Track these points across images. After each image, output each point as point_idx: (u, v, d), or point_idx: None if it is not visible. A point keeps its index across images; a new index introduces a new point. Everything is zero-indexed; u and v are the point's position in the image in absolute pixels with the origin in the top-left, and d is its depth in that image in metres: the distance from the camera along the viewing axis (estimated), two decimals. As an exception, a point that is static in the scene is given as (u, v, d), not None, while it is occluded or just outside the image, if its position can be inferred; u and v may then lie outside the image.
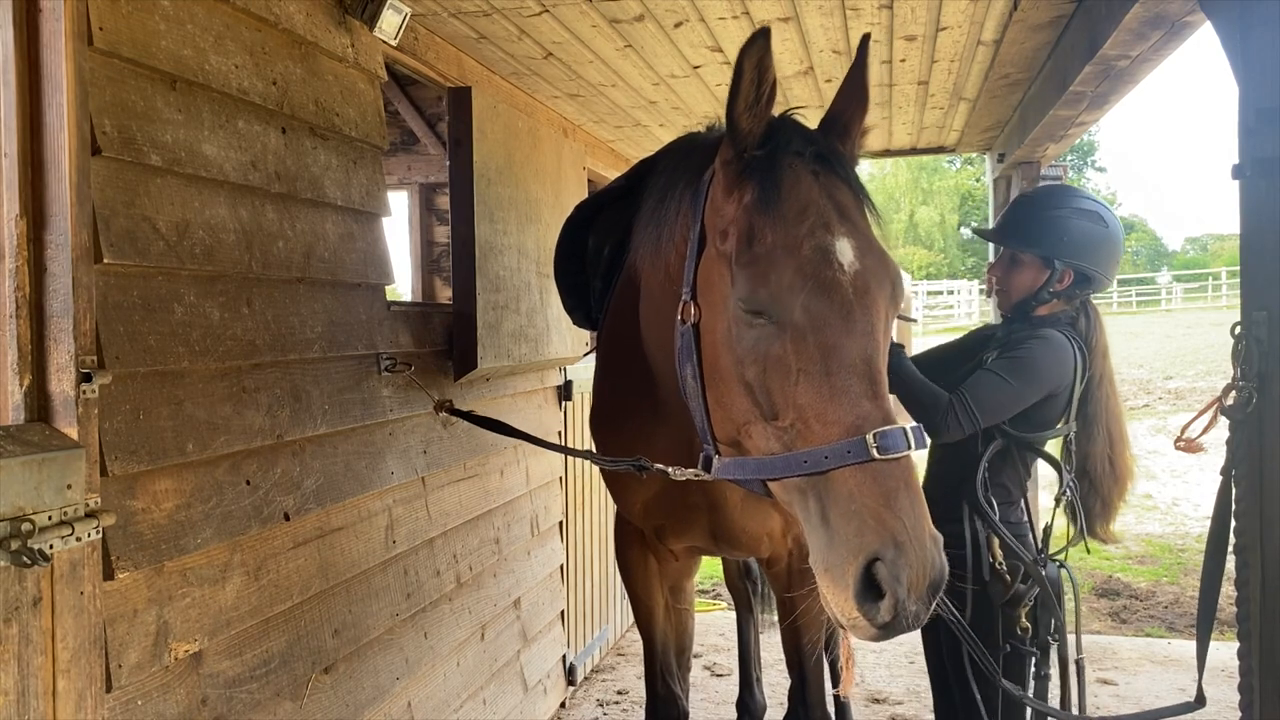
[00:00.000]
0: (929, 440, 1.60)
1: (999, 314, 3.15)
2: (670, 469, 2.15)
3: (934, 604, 1.54)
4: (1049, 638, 2.81)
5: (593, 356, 5.04)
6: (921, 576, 1.50)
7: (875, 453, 1.55)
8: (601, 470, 2.85)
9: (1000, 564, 2.77)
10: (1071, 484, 2.91)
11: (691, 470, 2.02)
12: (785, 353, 1.66)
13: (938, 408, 2.67)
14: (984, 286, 14.20)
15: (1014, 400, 2.75)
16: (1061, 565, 2.91)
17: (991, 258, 3.24)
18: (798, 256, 1.68)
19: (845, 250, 1.71)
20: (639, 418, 2.57)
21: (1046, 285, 2.88)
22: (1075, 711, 2.83)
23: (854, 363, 1.64)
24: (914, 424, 1.62)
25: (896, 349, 2.81)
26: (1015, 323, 2.97)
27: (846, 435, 1.57)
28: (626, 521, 3.01)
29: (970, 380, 2.74)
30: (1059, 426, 2.91)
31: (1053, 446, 2.99)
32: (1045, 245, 2.85)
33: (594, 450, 2.90)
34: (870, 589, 1.51)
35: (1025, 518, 2.93)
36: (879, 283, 1.74)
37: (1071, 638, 2.89)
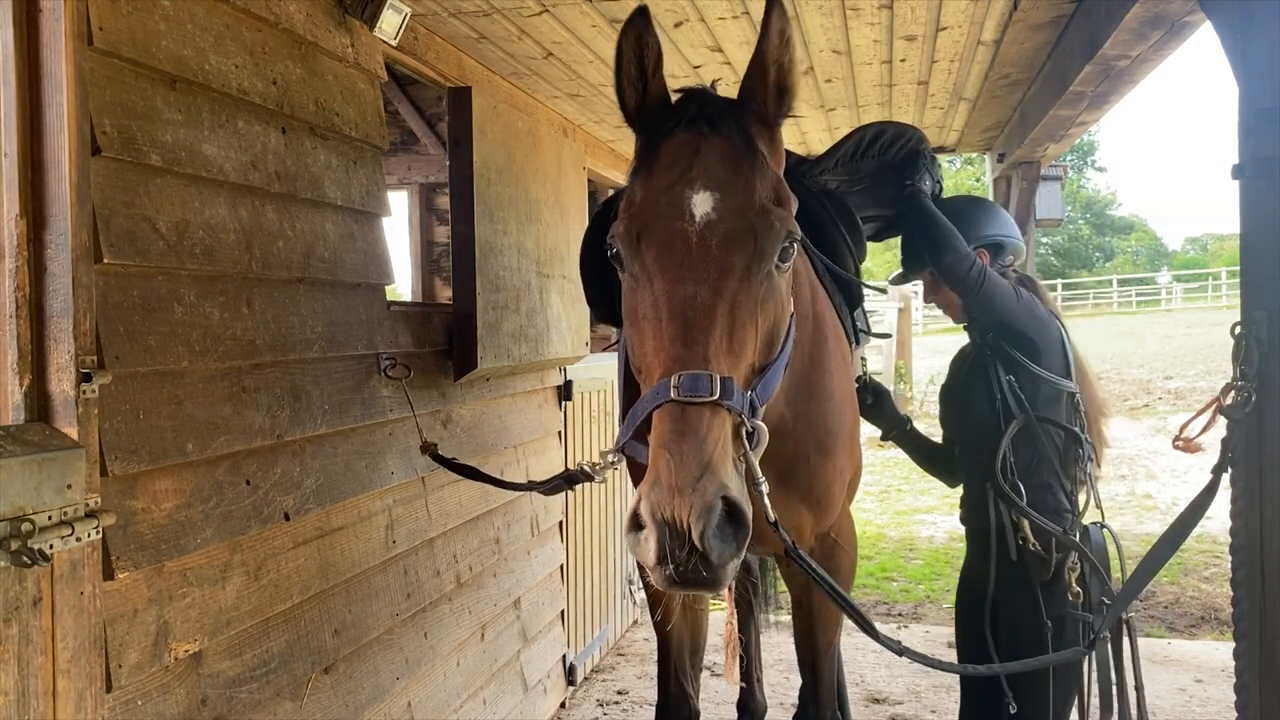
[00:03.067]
0: (726, 389, 1.59)
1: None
2: (593, 468, 2.12)
3: (717, 550, 1.48)
4: (1101, 601, 2.86)
5: (591, 357, 5.06)
6: (680, 512, 1.46)
7: (674, 394, 1.56)
8: (630, 467, 2.82)
9: (1033, 544, 2.82)
10: (1089, 445, 3.00)
11: (608, 452, 2.02)
12: (637, 303, 1.75)
13: (966, 261, 2.90)
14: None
15: (1017, 310, 2.94)
16: (1104, 527, 2.96)
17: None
18: (652, 210, 1.77)
19: (698, 202, 1.75)
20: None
21: None
22: (1130, 676, 2.82)
23: (678, 307, 1.65)
24: (729, 377, 1.61)
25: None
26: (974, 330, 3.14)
27: (659, 379, 1.60)
28: None
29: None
30: (1065, 383, 3.01)
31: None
32: (944, 247, 2.96)
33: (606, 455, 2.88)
34: (637, 524, 1.51)
35: (1060, 490, 2.97)
36: (732, 230, 1.76)
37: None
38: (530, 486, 2.77)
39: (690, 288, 1.67)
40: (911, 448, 3.30)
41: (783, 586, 3.63)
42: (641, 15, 1.86)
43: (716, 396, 1.55)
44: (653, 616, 3.12)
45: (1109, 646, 2.80)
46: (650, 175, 1.82)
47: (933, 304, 3.27)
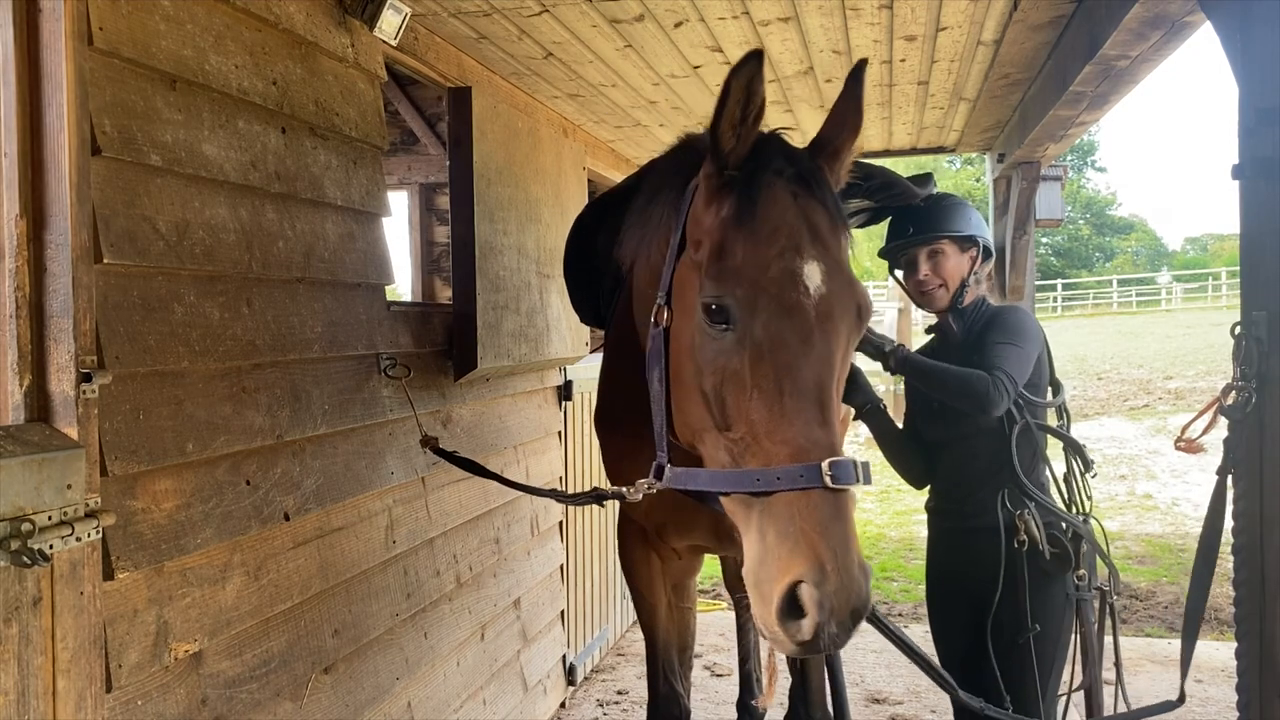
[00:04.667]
0: (870, 479, 1.67)
1: (934, 316, 3.21)
2: (625, 489, 2.14)
3: (855, 629, 1.58)
4: (1098, 588, 2.97)
5: (592, 356, 5.06)
6: (844, 604, 1.53)
7: (828, 481, 1.58)
8: (606, 467, 2.86)
9: (1043, 543, 2.85)
10: (1077, 445, 3.05)
11: (644, 482, 2.01)
12: (743, 367, 1.69)
13: (984, 383, 2.77)
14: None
15: (1028, 360, 2.89)
16: (1089, 518, 3.04)
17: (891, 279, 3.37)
18: (764, 275, 1.71)
19: (813, 274, 1.74)
20: (635, 415, 2.58)
21: (973, 266, 3.05)
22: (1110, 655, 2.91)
23: (809, 387, 1.66)
24: (862, 459, 1.65)
25: (901, 351, 2.88)
26: (959, 322, 3.09)
27: (797, 459, 1.60)
28: (630, 519, 3.01)
29: (992, 356, 2.84)
30: (1057, 397, 3.06)
31: None
32: (959, 228, 2.99)
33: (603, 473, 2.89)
34: (794, 608, 1.55)
35: (1050, 487, 3.06)
36: (843, 309, 1.77)
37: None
38: (556, 495, 2.71)
39: (817, 368, 1.69)
40: (880, 431, 3.16)
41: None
42: (756, 58, 1.74)
43: (861, 481, 1.61)
44: (640, 618, 3.13)
45: (1094, 630, 2.96)
46: (754, 235, 1.75)
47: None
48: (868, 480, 1.63)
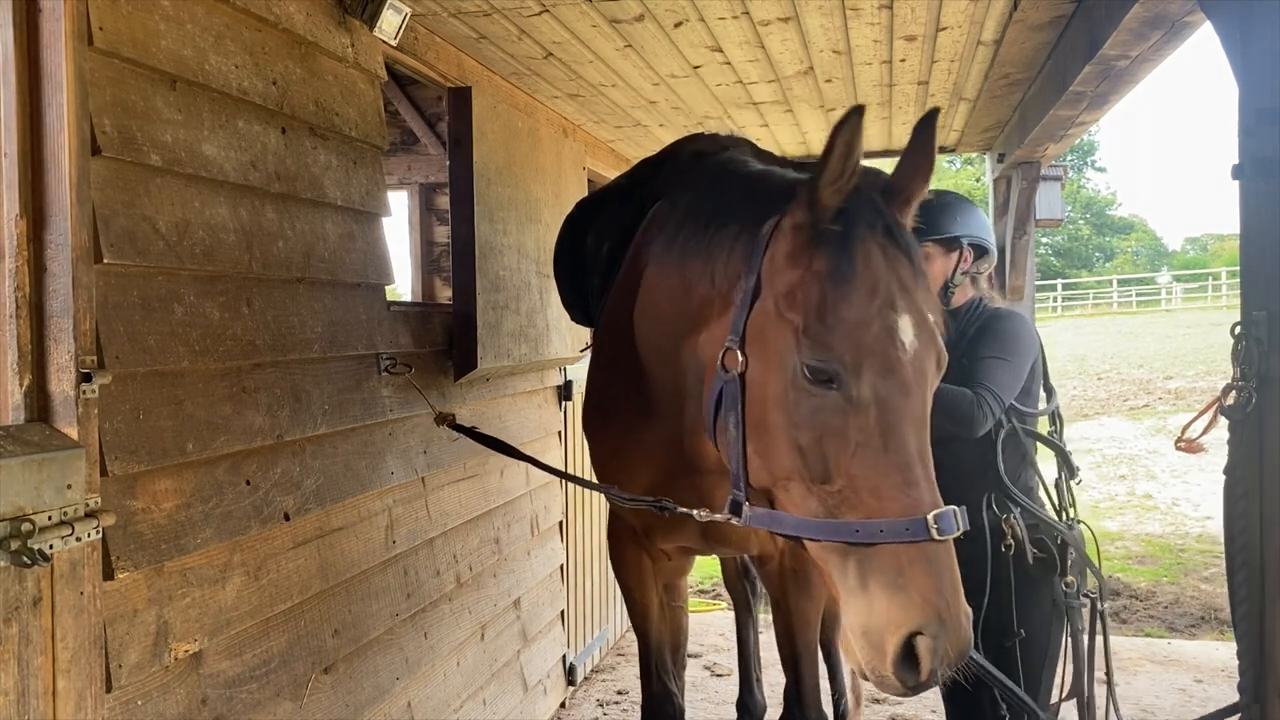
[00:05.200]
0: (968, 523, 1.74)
1: None
2: (695, 511, 2.16)
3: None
4: (1084, 595, 2.92)
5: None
6: (955, 650, 1.61)
7: (935, 534, 1.62)
8: (597, 464, 2.86)
9: (1030, 548, 2.85)
10: (1061, 451, 3.04)
11: (720, 515, 2.02)
12: (846, 424, 1.70)
13: (969, 404, 2.76)
14: None
15: (1018, 374, 2.87)
16: (1077, 523, 3.01)
17: None
18: (867, 335, 1.72)
19: (907, 329, 1.76)
20: (627, 413, 2.60)
21: (957, 267, 3.00)
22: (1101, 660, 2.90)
23: (910, 442, 1.70)
24: (961, 506, 1.69)
25: None
26: (951, 323, 3.06)
27: (903, 513, 1.64)
28: (620, 519, 3.02)
29: (980, 372, 2.83)
30: (1049, 403, 3.05)
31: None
32: (945, 229, 2.95)
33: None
34: (909, 658, 1.60)
35: (1042, 491, 3.05)
36: (930, 361, 1.80)
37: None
38: (614, 494, 2.57)
39: (915, 422, 1.73)
40: None
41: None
42: (858, 113, 1.74)
43: (961, 529, 1.66)
44: (632, 618, 3.14)
45: (1085, 637, 2.90)
46: (855, 294, 1.74)
47: None
48: (967, 526, 1.68)
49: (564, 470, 2.84)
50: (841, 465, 1.70)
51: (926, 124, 1.87)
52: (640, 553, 3.01)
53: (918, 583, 1.60)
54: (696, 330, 2.13)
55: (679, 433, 2.43)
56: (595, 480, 2.88)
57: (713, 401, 1.93)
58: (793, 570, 2.84)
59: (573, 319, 3.47)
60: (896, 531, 1.63)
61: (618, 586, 3.13)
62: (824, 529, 1.71)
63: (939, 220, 3.00)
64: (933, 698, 4.92)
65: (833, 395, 1.71)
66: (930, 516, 1.63)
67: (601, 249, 3.02)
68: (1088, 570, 2.97)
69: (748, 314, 1.87)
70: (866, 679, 1.68)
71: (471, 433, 3.09)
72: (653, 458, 2.56)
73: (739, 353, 1.85)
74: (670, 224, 2.35)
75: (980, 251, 3.07)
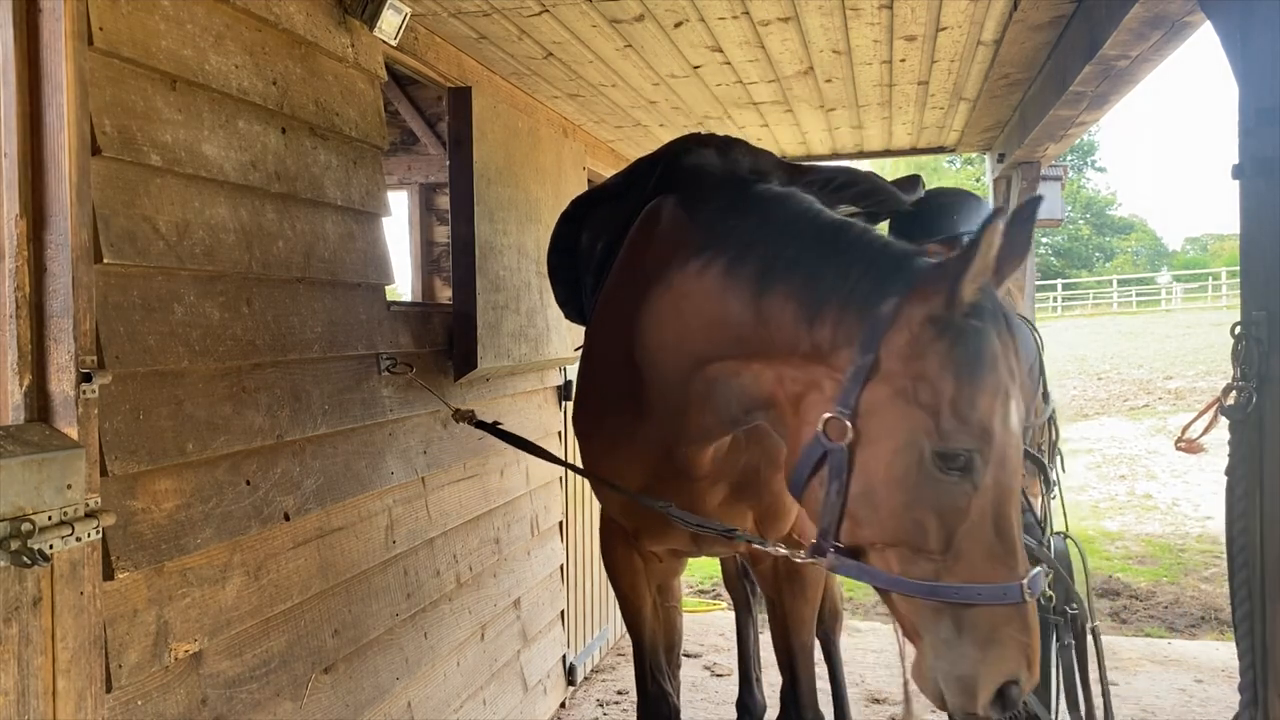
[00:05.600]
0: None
1: None
2: (772, 546, 2.28)
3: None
4: (1066, 608, 2.89)
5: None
6: (1029, 690, 1.82)
7: (1027, 597, 1.79)
8: (591, 460, 2.86)
9: None
10: (1040, 464, 3.04)
11: (801, 555, 2.09)
12: (967, 506, 1.81)
13: None
14: None
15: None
16: (1067, 537, 3.00)
17: None
18: (995, 426, 1.81)
19: (1016, 416, 1.86)
20: (621, 413, 2.61)
21: None
22: (1095, 680, 2.87)
23: (1012, 518, 1.84)
24: (1042, 566, 1.85)
25: None
26: None
27: (1002, 580, 1.79)
28: (612, 520, 3.02)
29: None
30: (1045, 410, 3.03)
31: None
32: (945, 229, 2.92)
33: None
34: (999, 699, 1.80)
35: (1027, 503, 3.01)
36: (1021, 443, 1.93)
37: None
38: (679, 517, 2.52)
39: (1016, 500, 1.87)
40: None
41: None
42: (1000, 215, 1.77)
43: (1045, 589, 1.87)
44: (625, 619, 3.14)
45: (1073, 653, 2.86)
46: (987, 387, 1.81)
47: None
48: (1044, 586, 1.86)
49: (588, 470, 2.82)
50: (951, 538, 1.81)
51: (1030, 212, 1.89)
52: (632, 554, 3.02)
53: (1014, 639, 1.78)
54: (750, 362, 2.13)
55: (673, 439, 2.45)
56: (591, 485, 2.88)
57: (808, 466, 1.96)
58: (787, 571, 2.84)
59: (566, 316, 3.47)
60: (995, 595, 1.78)
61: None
62: (921, 589, 1.83)
63: (938, 221, 2.99)
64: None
65: (957, 480, 1.80)
66: (1025, 583, 1.78)
67: (596, 247, 3.02)
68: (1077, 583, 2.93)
69: (860, 389, 1.89)
70: (943, 710, 1.87)
71: (493, 429, 3.09)
72: (644, 460, 2.58)
73: (848, 425, 1.88)
74: (710, 244, 2.27)
75: None
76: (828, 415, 1.90)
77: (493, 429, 3.10)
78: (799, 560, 2.09)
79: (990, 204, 3.41)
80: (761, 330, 2.09)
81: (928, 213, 3.02)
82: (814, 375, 1.98)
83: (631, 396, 2.52)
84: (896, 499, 1.84)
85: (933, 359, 1.81)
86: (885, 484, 1.85)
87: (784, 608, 2.89)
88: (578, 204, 3.27)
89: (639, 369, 2.48)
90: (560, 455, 4.87)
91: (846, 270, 1.97)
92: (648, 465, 2.58)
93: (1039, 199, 1.95)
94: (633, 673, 3.18)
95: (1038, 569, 1.83)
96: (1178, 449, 2.19)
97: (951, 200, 3.08)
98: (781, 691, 2.99)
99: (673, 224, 2.50)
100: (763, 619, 4.33)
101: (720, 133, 2.99)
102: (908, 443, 1.82)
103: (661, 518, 2.72)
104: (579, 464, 5.05)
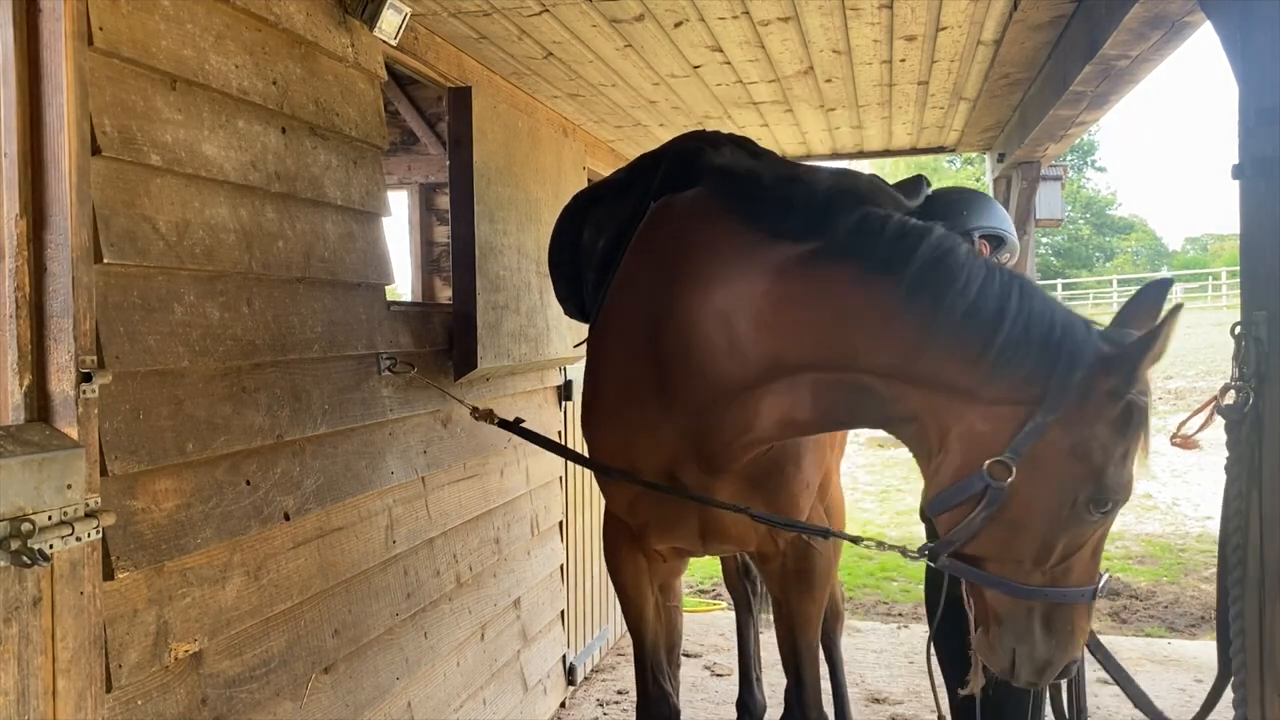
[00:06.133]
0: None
1: None
2: (880, 544, 2.47)
3: None
4: None
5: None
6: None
7: (1097, 595, 2.16)
8: (607, 454, 2.81)
9: None
10: None
11: (913, 551, 2.31)
12: (1091, 534, 2.12)
13: None
14: None
15: None
16: None
17: None
18: (1134, 480, 2.11)
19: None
20: (642, 407, 2.58)
21: None
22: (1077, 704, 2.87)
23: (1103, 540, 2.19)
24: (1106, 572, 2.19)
25: None
26: None
27: (1087, 584, 2.14)
28: (616, 519, 2.99)
29: None
30: None
31: None
32: (958, 226, 2.93)
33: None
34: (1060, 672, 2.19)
35: None
36: None
37: None
38: (758, 517, 2.56)
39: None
40: None
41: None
42: (1179, 310, 2.00)
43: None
44: (627, 619, 3.13)
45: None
46: (1135, 452, 2.09)
47: None
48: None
49: (612, 467, 2.79)
50: (1068, 555, 2.10)
51: (1172, 318, 1.99)
52: (636, 554, 3.00)
53: (1081, 629, 2.15)
54: (890, 380, 2.18)
55: (709, 434, 2.46)
56: (597, 482, 2.87)
57: (963, 495, 2.14)
58: (795, 570, 2.84)
59: (566, 313, 3.46)
60: (1076, 596, 2.12)
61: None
62: (1029, 592, 2.11)
63: (948, 219, 2.99)
64: (933, 698, 4.92)
65: (1098, 519, 2.10)
66: (1099, 585, 2.14)
67: (598, 244, 3.01)
68: None
69: (1035, 442, 2.06)
70: (1010, 679, 2.19)
71: (516, 428, 3.07)
72: (663, 453, 2.58)
73: (1014, 469, 2.05)
74: (829, 255, 2.22)
75: (997, 242, 3.03)
76: (997, 459, 2.07)
77: (516, 428, 3.06)
78: (913, 557, 2.30)
79: (995, 201, 3.38)
80: (916, 358, 2.12)
81: (937, 211, 3.03)
82: (975, 414, 2.12)
83: (655, 390, 2.51)
84: (1043, 530, 2.09)
85: (1105, 426, 2.04)
86: (1037, 518, 2.08)
87: (791, 607, 2.88)
88: (579, 200, 3.27)
89: (666, 362, 2.46)
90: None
91: (1046, 340, 2.07)
92: (667, 458, 2.58)
93: (1169, 281, 2.21)
94: (632, 673, 3.18)
95: (1106, 572, 2.17)
96: (1173, 444, 2.19)
97: (957, 198, 3.08)
98: (786, 691, 2.99)
99: (717, 220, 2.44)
100: (764, 619, 4.33)
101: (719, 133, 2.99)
102: (1068, 488, 2.06)
103: (670, 514, 2.72)
104: (576, 467, 5.10)
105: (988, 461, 2.06)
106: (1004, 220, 3.08)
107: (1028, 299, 2.11)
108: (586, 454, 2.96)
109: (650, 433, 2.57)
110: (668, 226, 2.64)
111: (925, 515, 3.21)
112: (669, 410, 2.51)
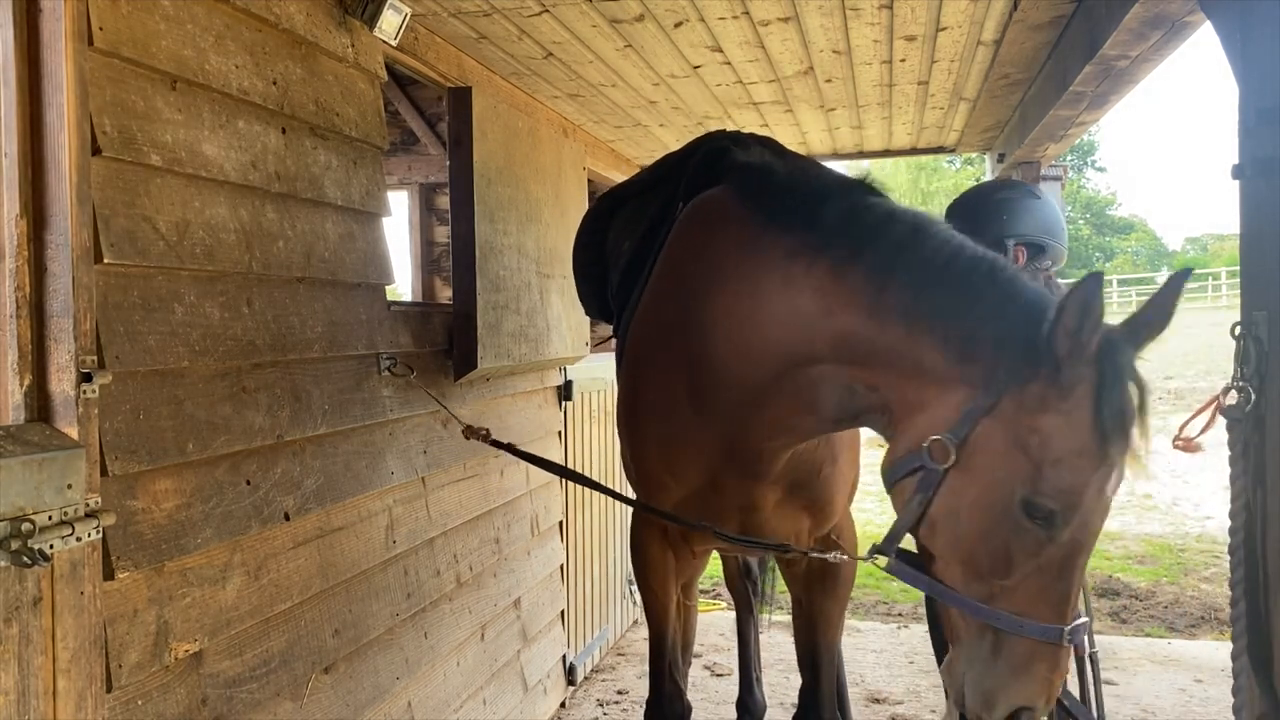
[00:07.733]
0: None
1: None
2: (831, 554, 2.38)
3: None
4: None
5: (592, 356, 5.06)
6: (1041, 716, 1.93)
7: (1065, 641, 1.87)
8: (644, 458, 2.77)
9: None
10: None
11: (863, 556, 2.18)
12: (1037, 551, 1.86)
13: None
14: None
15: None
16: None
17: None
18: (1089, 496, 1.84)
19: (1114, 484, 1.88)
20: (678, 413, 2.57)
21: None
22: (1094, 706, 2.86)
23: (1079, 571, 1.90)
24: (1086, 620, 1.95)
25: None
26: None
27: (1050, 621, 1.87)
28: (648, 518, 2.98)
29: None
30: None
31: None
32: (989, 231, 2.88)
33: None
34: (1011, 717, 1.91)
35: None
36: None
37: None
38: (771, 546, 2.61)
39: (1087, 555, 1.93)
40: None
41: (782, 586, 3.64)
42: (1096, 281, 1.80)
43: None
44: (650, 617, 3.13)
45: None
46: (1093, 457, 1.83)
47: None
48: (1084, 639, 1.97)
49: (629, 495, 2.77)
50: (1016, 573, 1.88)
51: (1177, 283, 1.88)
52: (666, 552, 2.98)
53: (1041, 674, 1.87)
54: (871, 369, 2.13)
55: (742, 438, 2.44)
56: (633, 484, 2.85)
57: (901, 472, 2.04)
58: (820, 570, 2.83)
59: (587, 313, 3.46)
60: (1038, 632, 1.86)
61: (624, 587, 3.14)
62: (975, 608, 1.92)
63: (984, 221, 2.88)
64: (934, 698, 4.92)
65: (1038, 530, 1.85)
66: (1068, 629, 1.86)
67: (623, 245, 3.02)
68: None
69: (974, 425, 1.92)
70: (959, 708, 1.99)
71: (509, 449, 3.06)
72: (703, 461, 2.56)
73: (952, 451, 1.92)
74: (826, 250, 2.20)
75: (1035, 250, 2.91)
76: (935, 437, 1.95)
77: (512, 449, 3.06)
78: (860, 560, 2.18)
79: (1045, 200, 3.22)
80: (899, 347, 2.07)
81: (970, 210, 2.96)
82: (931, 392, 2.02)
83: (689, 395, 2.51)
84: (976, 526, 1.91)
85: (1053, 416, 1.84)
86: (970, 511, 1.92)
87: (814, 606, 2.87)
88: (603, 202, 3.27)
89: (700, 367, 2.45)
90: (560, 456, 4.87)
91: (1002, 310, 1.95)
92: (707, 465, 2.56)
93: (1188, 270, 1.95)
94: (633, 673, 3.18)
95: (1082, 620, 1.91)
96: (1174, 447, 2.18)
97: (1003, 198, 2.95)
98: (801, 690, 2.97)
99: (732, 219, 2.45)
100: (765, 619, 4.33)
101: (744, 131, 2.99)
102: (1003, 482, 1.88)
103: (713, 517, 2.69)
104: (585, 472, 5.08)
105: (928, 439, 1.95)
106: (1048, 225, 2.96)
107: (999, 276, 2.01)
108: (621, 452, 2.96)
109: (689, 441, 2.56)
110: (693, 227, 2.64)
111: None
112: (703, 415, 2.50)
